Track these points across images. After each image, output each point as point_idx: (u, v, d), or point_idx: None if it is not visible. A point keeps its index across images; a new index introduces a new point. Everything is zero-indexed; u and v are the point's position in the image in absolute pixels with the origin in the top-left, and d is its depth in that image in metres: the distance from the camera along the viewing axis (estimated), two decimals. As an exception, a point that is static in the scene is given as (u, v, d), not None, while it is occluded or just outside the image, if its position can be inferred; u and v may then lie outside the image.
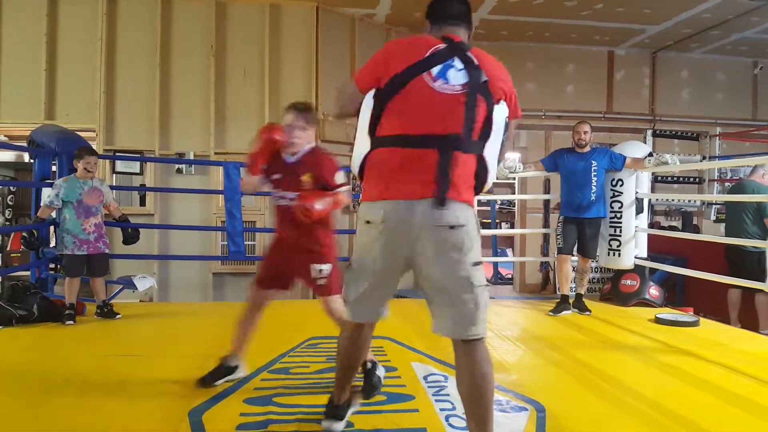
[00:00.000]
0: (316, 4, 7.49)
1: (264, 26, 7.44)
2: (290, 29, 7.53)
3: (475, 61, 2.14)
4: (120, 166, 7.28)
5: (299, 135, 2.94)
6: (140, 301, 6.53)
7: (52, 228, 5.22)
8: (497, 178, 11.91)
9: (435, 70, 2.10)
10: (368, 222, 2.10)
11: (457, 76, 2.10)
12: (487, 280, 7.78)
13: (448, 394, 2.93)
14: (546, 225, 8.90)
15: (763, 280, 4.30)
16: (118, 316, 4.79)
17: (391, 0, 7.44)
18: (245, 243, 6.14)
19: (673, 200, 9.53)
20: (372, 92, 2.16)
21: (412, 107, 2.09)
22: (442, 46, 2.15)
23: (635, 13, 7.81)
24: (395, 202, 2.04)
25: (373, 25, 8.26)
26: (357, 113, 2.21)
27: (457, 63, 2.12)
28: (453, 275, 2.01)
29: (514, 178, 9.54)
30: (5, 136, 7.69)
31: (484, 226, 11.37)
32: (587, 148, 5.44)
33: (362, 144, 2.19)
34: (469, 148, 2.09)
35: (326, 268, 2.90)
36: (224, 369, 3.03)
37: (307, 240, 2.91)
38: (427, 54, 2.12)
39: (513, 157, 8.12)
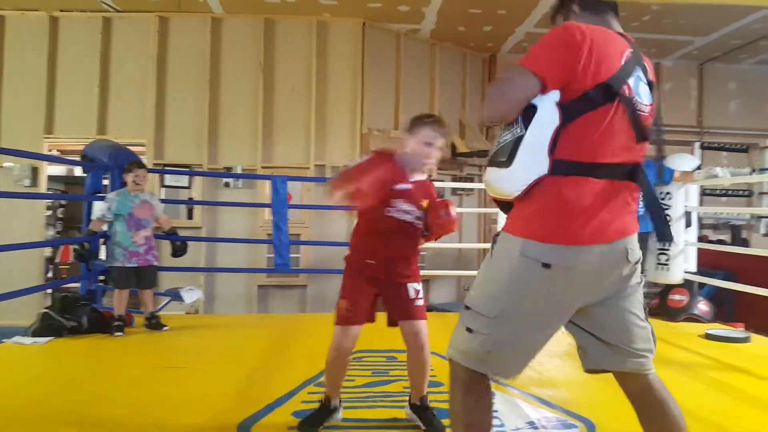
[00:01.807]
0: (363, 21, 7.50)
1: (311, 42, 7.47)
2: (337, 45, 7.55)
3: (650, 73, 1.75)
4: (169, 179, 7.35)
5: (436, 156, 2.55)
6: (187, 313, 6.56)
7: (101, 241, 5.31)
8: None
9: (631, 82, 1.66)
10: (546, 265, 1.62)
11: (646, 93, 1.70)
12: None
13: (496, 410, 2.86)
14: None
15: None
16: (165, 328, 4.80)
17: (436, 15, 7.40)
18: (290, 256, 6.16)
19: (721, 214, 9.23)
20: (554, 96, 1.62)
21: (617, 128, 1.64)
22: (629, 49, 1.68)
23: (683, 24, 7.60)
24: (594, 246, 1.64)
25: (418, 40, 8.22)
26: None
27: (641, 74, 1.70)
28: (638, 303, 1.79)
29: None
30: (58, 150, 7.89)
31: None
32: None
33: (534, 163, 1.63)
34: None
35: (420, 287, 2.64)
36: (326, 411, 2.66)
37: (408, 259, 2.64)
38: (624, 59, 1.65)
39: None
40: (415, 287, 2.61)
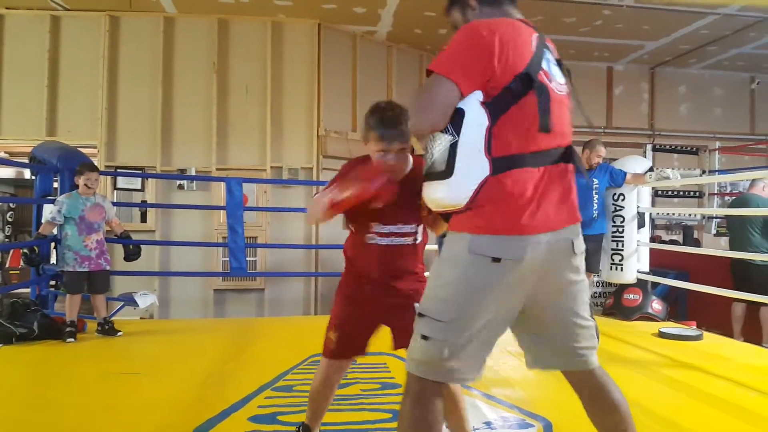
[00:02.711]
0: (318, 22, 7.52)
1: (266, 43, 7.45)
2: (292, 46, 7.55)
3: (555, 51, 1.80)
4: (121, 182, 7.24)
5: (407, 156, 2.20)
6: (141, 318, 6.48)
7: (52, 245, 5.19)
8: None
9: (545, 66, 1.71)
10: (495, 260, 1.62)
11: (558, 74, 1.75)
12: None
13: (453, 411, 2.90)
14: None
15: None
16: (119, 334, 4.76)
17: (392, 17, 7.46)
18: (247, 259, 6.11)
19: (673, 214, 9.51)
20: (477, 96, 1.64)
21: (550, 113, 1.69)
22: (535, 34, 1.73)
23: (634, 29, 7.84)
24: (541, 234, 1.65)
25: (374, 42, 8.28)
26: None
27: (549, 56, 1.75)
28: (582, 303, 1.80)
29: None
30: (6, 152, 7.68)
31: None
32: (594, 168, 5.42)
33: (474, 166, 1.64)
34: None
35: None
36: None
37: (412, 274, 2.31)
38: (533, 46, 1.69)
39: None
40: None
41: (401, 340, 2.15)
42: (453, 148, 1.63)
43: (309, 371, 3.66)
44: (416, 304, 2.04)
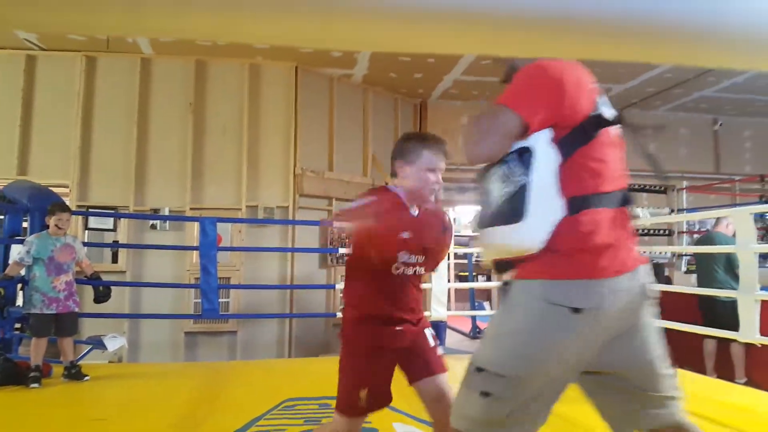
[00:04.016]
0: (295, 64, 7.59)
1: (243, 84, 7.49)
2: (269, 88, 7.60)
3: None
4: (93, 222, 7.13)
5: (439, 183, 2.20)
6: (110, 361, 6.28)
7: (19, 286, 5.05)
8: (474, 232, 11.83)
9: (604, 108, 1.65)
10: (576, 310, 1.49)
11: (612, 116, 1.68)
12: (466, 334, 7.68)
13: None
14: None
15: (736, 330, 4.33)
16: (86, 378, 4.60)
17: (368, 61, 7.57)
18: (219, 300, 6.00)
19: (644, 252, 9.62)
20: (546, 134, 1.57)
21: (610, 157, 1.63)
22: (591, 76, 1.69)
23: (602, 72, 8.03)
24: (620, 277, 1.54)
25: (351, 84, 8.38)
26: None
27: (603, 98, 1.69)
28: (662, 349, 1.67)
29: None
30: (-26, 191, 7.52)
31: (462, 279, 11.37)
32: None
33: (548, 208, 1.54)
34: None
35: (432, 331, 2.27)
36: None
37: (419, 305, 2.27)
38: (595, 87, 1.66)
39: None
40: (431, 332, 2.25)
41: (413, 376, 2.16)
42: (523, 189, 1.53)
43: (283, 416, 3.57)
44: (426, 330, 2.24)
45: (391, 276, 2.12)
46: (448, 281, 6.42)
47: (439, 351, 2.20)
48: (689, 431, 1.71)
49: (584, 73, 1.65)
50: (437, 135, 2.21)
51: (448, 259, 6.72)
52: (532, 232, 1.53)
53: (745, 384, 5.24)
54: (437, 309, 6.28)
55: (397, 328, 2.12)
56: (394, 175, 2.23)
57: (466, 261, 11.47)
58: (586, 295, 1.49)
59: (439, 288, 6.27)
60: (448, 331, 8.87)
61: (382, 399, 2.13)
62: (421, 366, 2.14)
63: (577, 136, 1.57)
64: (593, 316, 1.49)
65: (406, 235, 2.11)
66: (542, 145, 1.55)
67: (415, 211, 2.21)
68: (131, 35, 6.37)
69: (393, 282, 2.14)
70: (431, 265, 2.25)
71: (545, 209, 1.53)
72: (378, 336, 2.12)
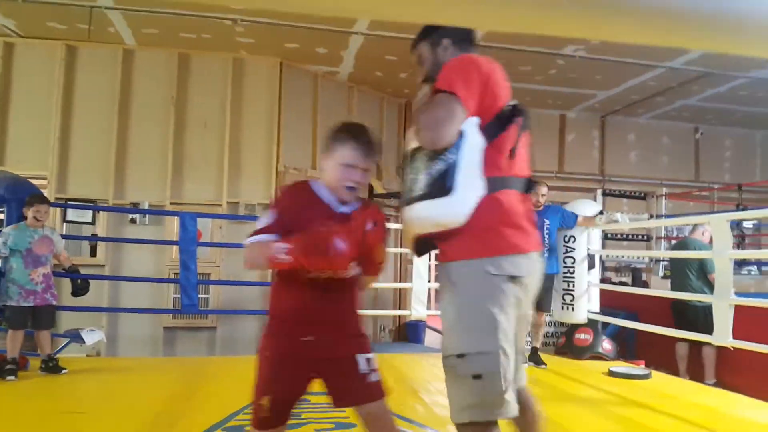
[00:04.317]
0: (280, 60, 7.60)
1: (227, 78, 7.48)
2: (253, 83, 7.59)
3: None
4: (71, 215, 7.09)
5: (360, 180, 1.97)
6: (87, 355, 6.27)
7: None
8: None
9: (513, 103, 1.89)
10: (512, 278, 1.73)
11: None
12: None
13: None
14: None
15: (710, 333, 4.45)
16: (63, 371, 4.61)
17: (354, 59, 7.60)
18: (199, 296, 6.00)
19: (623, 257, 9.78)
20: (474, 120, 1.77)
21: (520, 145, 1.85)
22: None
23: (586, 79, 8.17)
24: (533, 252, 1.81)
25: (336, 82, 8.41)
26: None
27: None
28: None
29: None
30: (-50, 181, 7.44)
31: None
32: (540, 207, 5.56)
33: (472, 185, 1.74)
34: None
35: (374, 356, 1.97)
36: None
37: (352, 319, 2.02)
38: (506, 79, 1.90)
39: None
40: (366, 357, 1.94)
41: (342, 401, 1.94)
42: (453, 166, 1.72)
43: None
44: (359, 356, 1.90)
45: (303, 281, 1.87)
46: (429, 281, 6.49)
47: (375, 377, 1.92)
48: (527, 398, 1.98)
49: (499, 68, 1.88)
50: (371, 131, 1.99)
51: (430, 259, 6.77)
52: (460, 205, 1.73)
53: (714, 385, 5.40)
54: (417, 308, 6.37)
55: (305, 338, 1.90)
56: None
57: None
58: (515, 266, 1.74)
59: (419, 287, 6.36)
60: (427, 330, 8.96)
61: (286, 414, 1.95)
62: (354, 392, 1.91)
63: (497, 124, 1.79)
64: (522, 283, 1.76)
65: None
66: (473, 129, 1.76)
67: (341, 208, 1.95)
68: None
69: (305, 287, 1.89)
70: (367, 268, 1.97)
71: (471, 186, 1.73)
72: (286, 340, 1.93)
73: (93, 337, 5.43)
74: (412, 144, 1.90)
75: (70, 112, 7.13)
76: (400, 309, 8.45)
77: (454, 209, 1.72)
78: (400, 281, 8.64)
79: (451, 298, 1.76)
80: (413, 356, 6.11)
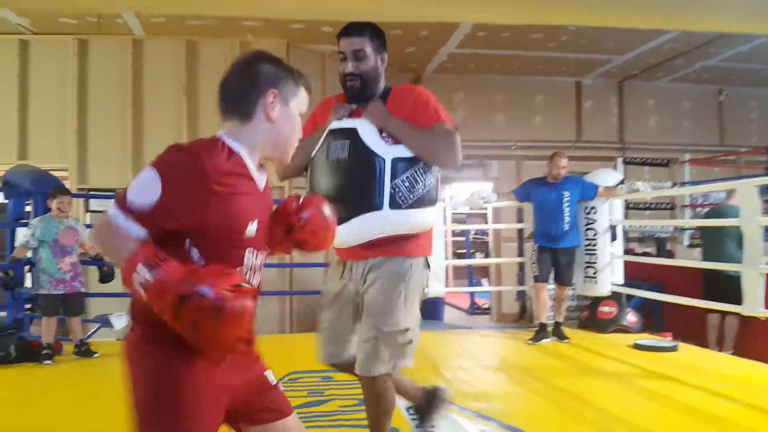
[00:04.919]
0: (287, 41, 7.65)
1: (235, 63, 7.51)
2: (262, 66, 7.61)
3: None
4: (94, 204, 7.33)
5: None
6: (117, 339, 6.47)
7: (26, 268, 5.21)
8: (471, 209, 12.24)
9: None
10: (429, 268, 2.36)
11: None
12: (464, 310, 7.88)
13: (432, 426, 2.96)
14: (521, 254, 9.00)
15: (739, 303, 4.41)
16: (95, 355, 4.86)
17: (361, 36, 7.57)
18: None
19: (646, 227, 9.71)
20: None
21: None
22: None
23: (600, 44, 8.09)
24: None
25: (343, 60, 8.38)
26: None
27: None
28: None
29: (487, 209, 9.68)
30: (-24, 177, 7.66)
31: (459, 256, 11.49)
32: (560, 179, 5.55)
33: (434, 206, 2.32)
34: None
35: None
36: None
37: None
38: None
39: (485, 187, 8.25)
40: (269, 372, 1.63)
41: (253, 421, 1.56)
42: (438, 181, 2.30)
43: (287, 388, 3.71)
44: (267, 372, 1.60)
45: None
46: (446, 258, 6.51)
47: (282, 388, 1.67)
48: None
49: None
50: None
51: (446, 236, 6.81)
52: (434, 214, 2.30)
53: (732, 355, 5.38)
54: (435, 286, 6.34)
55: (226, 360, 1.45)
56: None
57: (463, 238, 11.59)
58: (429, 261, 2.36)
59: (436, 265, 6.33)
60: (446, 307, 9.04)
61: None
62: (268, 409, 1.58)
63: None
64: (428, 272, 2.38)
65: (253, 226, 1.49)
66: None
67: (261, 182, 1.55)
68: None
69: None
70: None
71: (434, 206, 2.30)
72: (202, 365, 1.43)
73: (121, 321, 5.65)
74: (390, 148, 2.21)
75: (85, 105, 7.36)
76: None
77: (433, 217, 2.29)
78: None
79: (403, 284, 2.21)
80: (432, 333, 6.21)
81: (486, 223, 10.99)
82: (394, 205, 2.15)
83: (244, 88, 1.52)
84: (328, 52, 8.21)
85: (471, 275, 10.76)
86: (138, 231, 1.34)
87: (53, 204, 4.80)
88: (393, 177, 2.14)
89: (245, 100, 1.51)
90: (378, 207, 2.14)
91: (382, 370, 2.19)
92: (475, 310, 10.19)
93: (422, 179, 2.20)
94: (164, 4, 5.91)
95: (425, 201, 2.22)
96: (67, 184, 6.39)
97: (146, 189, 1.37)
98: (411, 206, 2.18)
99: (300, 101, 1.60)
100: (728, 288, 5.40)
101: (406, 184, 2.16)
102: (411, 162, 2.19)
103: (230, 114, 1.54)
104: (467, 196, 6.49)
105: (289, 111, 1.55)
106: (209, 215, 1.37)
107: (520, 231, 9.00)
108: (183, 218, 1.37)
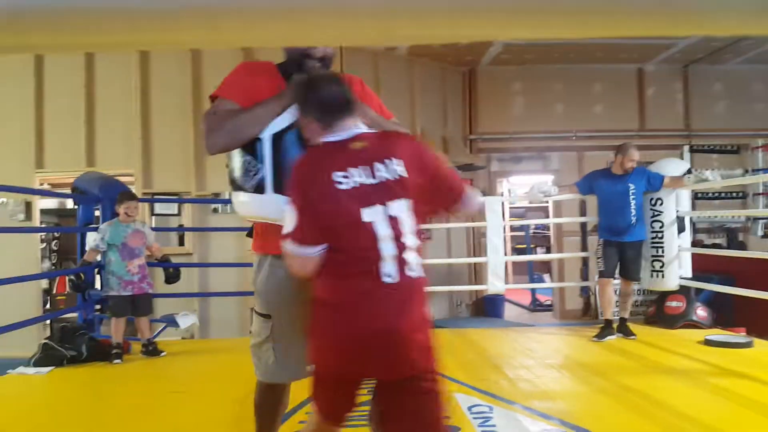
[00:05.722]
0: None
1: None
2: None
3: None
4: (159, 208, 7.61)
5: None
6: (183, 338, 6.71)
7: (96, 271, 5.42)
8: (531, 202, 12.03)
9: None
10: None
11: None
12: (525, 307, 7.78)
13: (494, 425, 2.94)
14: (584, 248, 8.75)
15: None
16: (162, 354, 4.99)
17: (414, 32, 7.55)
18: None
19: (715, 217, 9.35)
20: None
21: None
22: None
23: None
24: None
25: (396, 57, 8.43)
26: None
27: None
28: None
29: (548, 202, 9.51)
30: (49, 184, 8.03)
31: (519, 252, 11.32)
32: (630, 171, 5.36)
33: None
34: None
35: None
36: None
37: (423, 328, 1.70)
38: None
39: (546, 180, 8.08)
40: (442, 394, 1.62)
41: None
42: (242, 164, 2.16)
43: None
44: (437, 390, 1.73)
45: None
46: (505, 254, 6.41)
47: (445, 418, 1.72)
48: None
49: None
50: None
51: (504, 231, 6.73)
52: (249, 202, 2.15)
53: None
54: (495, 282, 6.27)
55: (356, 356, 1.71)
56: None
57: (523, 233, 11.41)
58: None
59: (495, 261, 6.26)
60: (506, 304, 8.93)
61: (346, 409, 1.87)
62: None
63: None
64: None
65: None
66: None
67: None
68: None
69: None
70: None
71: None
72: (335, 352, 1.76)
73: (187, 321, 5.81)
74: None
75: (148, 113, 7.63)
76: (475, 284, 8.46)
77: (248, 205, 2.20)
78: (473, 255, 8.71)
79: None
80: (493, 331, 6.12)
81: (547, 217, 10.79)
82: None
83: None
84: (381, 50, 8.20)
85: (532, 271, 10.61)
86: (306, 250, 1.73)
87: (121, 209, 4.96)
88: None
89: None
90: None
91: None
92: (536, 306, 9.99)
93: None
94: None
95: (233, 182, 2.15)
96: (133, 189, 6.62)
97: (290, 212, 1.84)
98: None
99: None
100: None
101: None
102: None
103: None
104: (526, 190, 6.41)
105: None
106: None
107: (583, 225, 8.81)
108: None
